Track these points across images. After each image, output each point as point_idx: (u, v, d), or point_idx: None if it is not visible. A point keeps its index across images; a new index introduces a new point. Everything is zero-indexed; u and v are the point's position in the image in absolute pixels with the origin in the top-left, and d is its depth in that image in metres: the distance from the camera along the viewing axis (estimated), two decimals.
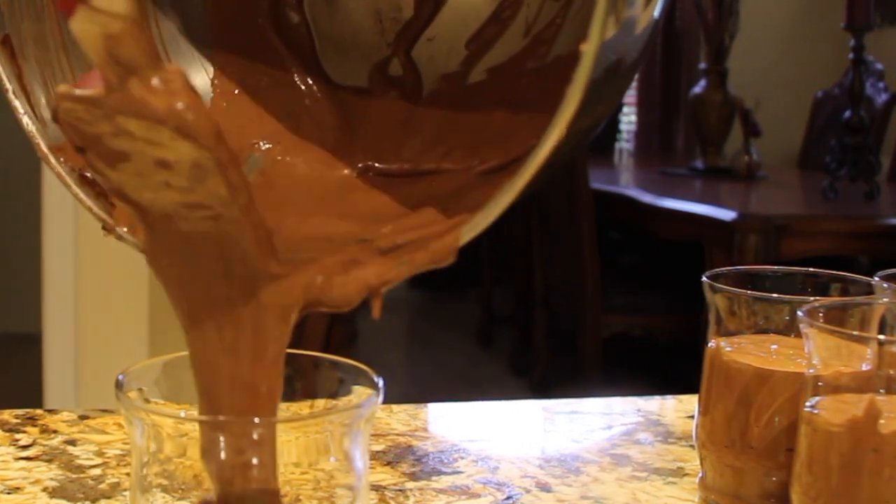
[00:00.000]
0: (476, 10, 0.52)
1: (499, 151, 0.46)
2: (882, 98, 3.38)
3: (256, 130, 0.51)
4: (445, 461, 0.66)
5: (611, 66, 0.38)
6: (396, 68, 0.52)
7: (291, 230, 0.46)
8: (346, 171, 0.49)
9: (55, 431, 0.68)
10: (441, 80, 0.52)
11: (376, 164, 0.49)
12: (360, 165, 0.50)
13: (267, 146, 0.50)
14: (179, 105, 0.35)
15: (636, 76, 0.52)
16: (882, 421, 0.48)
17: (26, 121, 0.45)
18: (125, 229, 0.43)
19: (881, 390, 0.49)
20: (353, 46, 0.53)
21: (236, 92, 0.52)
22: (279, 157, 0.50)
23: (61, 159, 0.45)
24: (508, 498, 0.61)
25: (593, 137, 0.45)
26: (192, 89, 0.35)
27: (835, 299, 0.58)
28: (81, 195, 0.45)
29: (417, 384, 3.22)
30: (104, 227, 0.44)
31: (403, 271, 0.41)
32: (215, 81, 0.52)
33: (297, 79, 0.53)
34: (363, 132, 0.51)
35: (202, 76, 0.53)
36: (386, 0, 0.53)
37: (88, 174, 0.45)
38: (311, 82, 0.53)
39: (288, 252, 0.42)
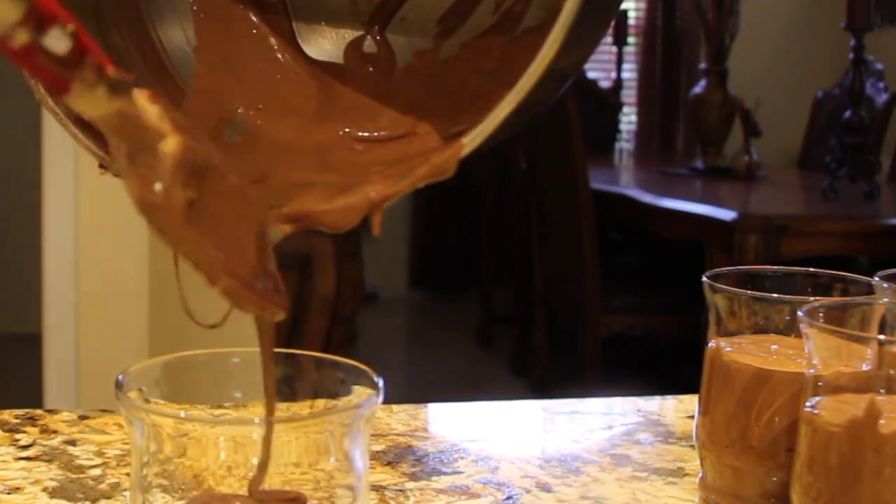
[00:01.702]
0: None
1: (472, 114, 0.46)
2: (882, 98, 3.38)
3: (237, 97, 0.53)
4: (445, 461, 0.66)
5: None
6: (371, 46, 0.54)
7: (281, 179, 0.47)
8: (325, 137, 0.51)
9: (55, 431, 0.68)
10: (414, 56, 0.53)
11: (354, 132, 0.50)
12: (338, 133, 0.51)
13: (248, 112, 0.52)
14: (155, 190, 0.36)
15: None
16: (882, 421, 0.48)
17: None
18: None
19: (881, 390, 0.49)
20: (329, 25, 0.55)
21: (217, 61, 0.53)
22: (260, 122, 0.51)
23: (60, 101, 0.46)
24: (508, 498, 0.61)
25: (584, 61, 0.47)
26: (179, 173, 0.36)
27: (835, 299, 0.58)
28: (80, 135, 0.46)
29: (417, 384, 3.22)
30: (101, 166, 0.46)
31: (405, 186, 0.42)
32: (198, 50, 0.54)
33: (276, 53, 0.54)
34: (340, 103, 0.53)
35: (180, 34, 0.54)
36: None
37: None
38: (289, 56, 0.54)
39: (281, 195, 0.43)
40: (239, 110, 0.52)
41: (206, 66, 0.53)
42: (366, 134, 0.50)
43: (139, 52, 0.53)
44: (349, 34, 0.55)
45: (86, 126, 0.46)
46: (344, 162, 0.49)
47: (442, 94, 0.51)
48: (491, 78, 0.48)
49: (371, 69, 0.54)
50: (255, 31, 0.54)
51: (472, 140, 0.42)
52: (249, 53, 0.54)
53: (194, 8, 0.54)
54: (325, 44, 0.55)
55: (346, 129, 0.51)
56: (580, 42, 0.41)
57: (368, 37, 0.54)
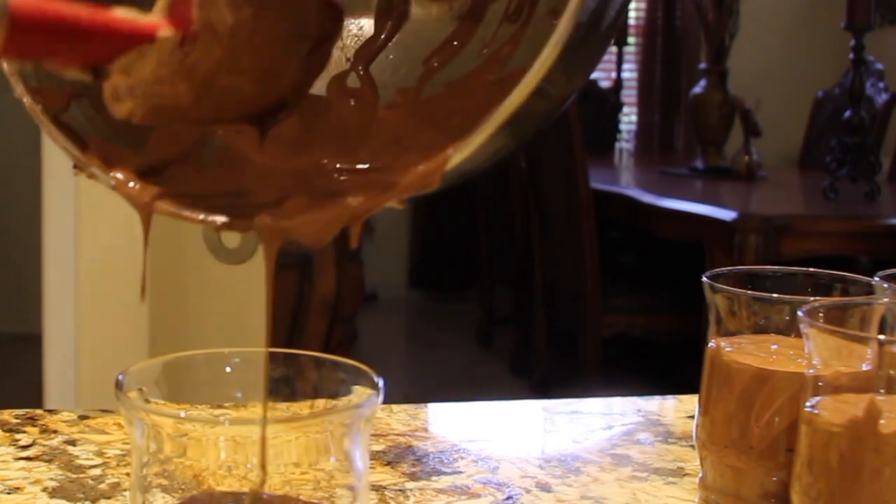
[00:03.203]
0: (434, 31, 0.53)
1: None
2: (882, 98, 3.38)
3: None
4: (445, 461, 0.66)
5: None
6: (354, 80, 0.53)
7: (258, 198, 0.47)
8: (303, 164, 0.50)
9: (55, 431, 0.68)
10: (397, 94, 0.53)
11: (333, 163, 0.50)
12: (317, 162, 0.50)
13: (228, 135, 0.52)
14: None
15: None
16: (882, 421, 0.48)
17: (6, 62, 0.47)
18: (96, 168, 0.45)
19: (881, 390, 0.49)
20: None
21: None
22: (238, 146, 0.51)
23: (39, 101, 0.47)
24: (508, 498, 0.61)
25: (575, 92, 0.46)
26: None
27: (835, 299, 0.58)
28: (57, 134, 0.46)
29: (417, 384, 3.22)
30: (75, 166, 0.46)
31: (388, 196, 0.41)
32: None
33: None
34: (320, 135, 0.52)
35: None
36: (348, 17, 0.54)
37: (63, 119, 0.47)
38: None
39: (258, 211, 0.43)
40: (217, 132, 0.52)
41: None
42: (345, 166, 0.50)
43: None
44: (333, 69, 0.54)
45: (63, 126, 0.46)
46: (322, 187, 0.49)
47: (424, 130, 0.50)
48: (475, 117, 0.47)
49: (353, 103, 0.53)
50: None
51: (459, 152, 0.41)
52: None
53: None
54: None
55: (325, 160, 0.50)
56: (567, 68, 0.41)
57: (352, 73, 0.54)
